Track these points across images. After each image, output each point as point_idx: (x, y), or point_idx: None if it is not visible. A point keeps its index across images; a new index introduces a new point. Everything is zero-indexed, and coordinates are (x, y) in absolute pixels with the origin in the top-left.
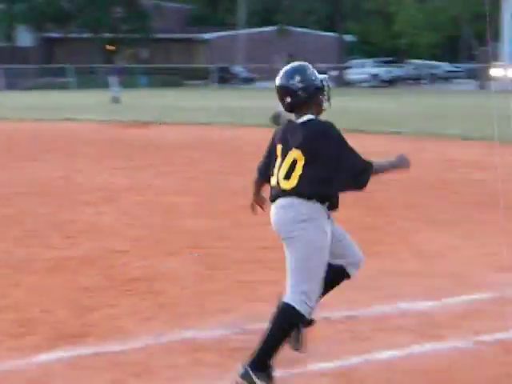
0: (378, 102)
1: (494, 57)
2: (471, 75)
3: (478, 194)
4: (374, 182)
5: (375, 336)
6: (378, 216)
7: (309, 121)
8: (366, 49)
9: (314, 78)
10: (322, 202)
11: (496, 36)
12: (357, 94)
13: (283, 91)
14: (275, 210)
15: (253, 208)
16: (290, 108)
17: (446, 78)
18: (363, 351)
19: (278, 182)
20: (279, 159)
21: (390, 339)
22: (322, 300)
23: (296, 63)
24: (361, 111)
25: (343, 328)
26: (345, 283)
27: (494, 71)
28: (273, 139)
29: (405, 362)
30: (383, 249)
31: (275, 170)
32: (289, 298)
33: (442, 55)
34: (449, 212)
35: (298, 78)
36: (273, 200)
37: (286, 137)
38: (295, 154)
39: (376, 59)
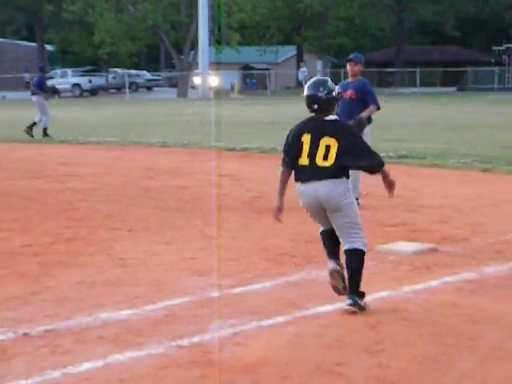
0: (80, 112)
1: (193, 65)
2: (172, 83)
3: (178, 200)
4: (74, 191)
5: (76, 348)
6: (79, 227)
7: (336, 119)
8: (67, 58)
9: (333, 90)
10: (347, 176)
11: (194, 45)
12: (59, 105)
13: (313, 99)
14: (324, 185)
15: (278, 213)
16: (315, 110)
17: (148, 87)
18: (63, 365)
19: (314, 162)
20: (307, 145)
21: (90, 351)
22: (20, 316)
23: (319, 77)
24: (65, 121)
25: (42, 343)
26: (43, 297)
27: (194, 79)
28: (294, 133)
29: (103, 372)
30: (85, 259)
31: (305, 153)
32: (356, 245)
33: (143, 64)
34: (150, 219)
35: (323, 89)
36: (308, 178)
37: (315, 129)
38: (329, 140)
39: (77, 69)
